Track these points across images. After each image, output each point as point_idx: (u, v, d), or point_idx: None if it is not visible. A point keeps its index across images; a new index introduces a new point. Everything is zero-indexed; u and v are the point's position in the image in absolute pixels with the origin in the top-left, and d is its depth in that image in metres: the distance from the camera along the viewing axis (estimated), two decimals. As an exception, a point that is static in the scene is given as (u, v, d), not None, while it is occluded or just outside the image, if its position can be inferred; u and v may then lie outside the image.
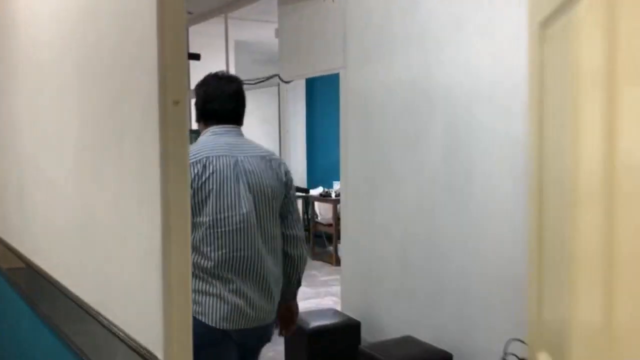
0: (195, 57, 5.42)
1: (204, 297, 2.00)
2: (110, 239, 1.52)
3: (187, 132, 1.25)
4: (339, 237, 6.99)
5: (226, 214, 2.02)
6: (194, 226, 1.98)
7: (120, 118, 1.41)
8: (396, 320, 3.88)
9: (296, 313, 2.38)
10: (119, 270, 1.48)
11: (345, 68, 4.18)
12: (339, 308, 4.72)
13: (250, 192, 2.08)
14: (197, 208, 1.99)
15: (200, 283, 2.01)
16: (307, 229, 8.37)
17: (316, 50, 4.50)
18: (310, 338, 3.77)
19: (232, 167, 2.06)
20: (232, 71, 6.15)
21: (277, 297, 2.18)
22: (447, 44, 3.43)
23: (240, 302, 2.02)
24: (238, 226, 2.03)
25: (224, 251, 2.01)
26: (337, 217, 7.22)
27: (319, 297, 5.85)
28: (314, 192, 7.78)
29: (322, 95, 8.72)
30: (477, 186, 3.30)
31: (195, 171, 1.99)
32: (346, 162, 4.26)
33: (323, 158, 8.73)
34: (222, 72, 2.34)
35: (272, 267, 2.13)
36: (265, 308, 2.10)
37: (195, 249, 1.99)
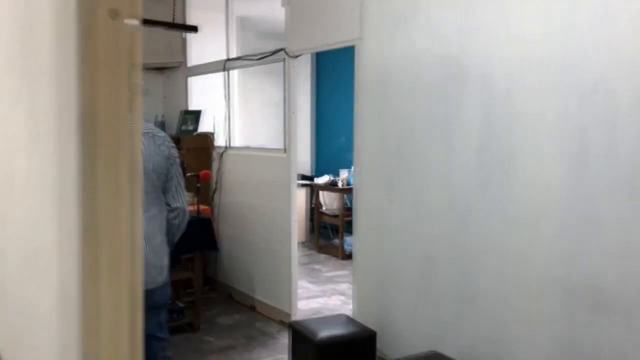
0: (192, 29, 4.90)
1: None
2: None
3: (140, 78, 0.70)
4: (345, 230, 6.53)
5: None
6: None
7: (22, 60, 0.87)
8: (418, 331, 3.39)
9: None
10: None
11: (361, 39, 3.66)
12: (349, 308, 4.24)
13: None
14: None
15: None
16: (311, 219, 7.88)
17: (328, 20, 3.97)
18: (319, 349, 3.28)
19: None
20: (234, 47, 5.61)
21: (158, 264, 2.32)
22: (484, 9, 2.91)
23: None
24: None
25: None
26: (344, 208, 6.73)
27: (325, 295, 5.37)
28: (320, 180, 7.27)
29: (331, 73, 8.17)
30: (517, 181, 2.80)
31: None
32: (360, 149, 3.75)
33: (330, 143, 8.20)
34: None
35: (149, 236, 2.27)
36: (154, 265, 2.28)
37: None
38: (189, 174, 4.30)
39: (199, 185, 4.27)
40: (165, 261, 2.40)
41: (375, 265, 3.68)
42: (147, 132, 2.36)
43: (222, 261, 5.35)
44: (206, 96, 5.78)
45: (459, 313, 3.13)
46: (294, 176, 4.47)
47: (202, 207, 4.49)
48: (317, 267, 6.43)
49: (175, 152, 2.46)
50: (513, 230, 2.82)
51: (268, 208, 4.70)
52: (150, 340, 2.33)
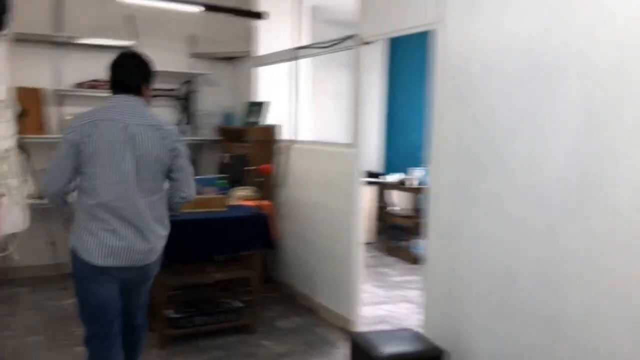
0: (258, 15, 4.67)
1: (86, 235, 2.44)
2: None
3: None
4: (417, 232, 6.14)
5: (108, 168, 2.42)
6: (83, 173, 2.44)
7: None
8: (494, 353, 2.98)
9: None
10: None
11: (442, 23, 3.27)
12: (417, 318, 3.88)
13: (134, 153, 2.45)
14: (86, 160, 2.41)
15: (85, 221, 2.45)
16: (380, 219, 7.51)
17: (405, 2, 3.60)
18: (381, 367, 2.95)
19: (120, 130, 2.44)
20: (304, 36, 5.34)
21: (155, 244, 2.56)
22: (591, -14, 2.46)
23: (114, 243, 2.44)
24: (117, 179, 2.43)
25: (103, 198, 2.42)
26: (416, 209, 6.32)
27: (391, 302, 5.01)
28: (390, 178, 6.90)
29: (406, 63, 7.75)
30: (620, 189, 2.34)
31: (86, 131, 2.40)
32: (435, 145, 3.37)
33: (402, 139, 7.80)
34: (130, 50, 2.78)
35: (149, 217, 2.51)
36: (139, 251, 2.49)
37: (83, 191, 2.45)
38: (248, 168, 4.07)
39: (261, 179, 4.02)
40: (161, 243, 2.64)
41: (447, 274, 3.30)
42: (152, 125, 2.51)
43: (284, 260, 5.11)
44: (273, 87, 5.55)
45: (543, 337, 2.70)
46: (361, 173, 4.14)
47: (263, 202, 4.24)
48: (384, 270, 6.07)
49: (180, 145, 2.63)
50: (615, 249, 2.37)
51: (332, 206, 4.40)
52: (134, 312, 2.73)
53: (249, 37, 5.73)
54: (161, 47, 5.72)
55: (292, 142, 5.00)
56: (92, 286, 2.50)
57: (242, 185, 4.69)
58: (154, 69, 2.69)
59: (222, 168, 4.66)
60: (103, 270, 2.46)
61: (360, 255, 4.21)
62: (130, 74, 2.59)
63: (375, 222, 7.30)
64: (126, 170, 2.44)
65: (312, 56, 4.82)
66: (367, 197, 6.91)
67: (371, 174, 7.53)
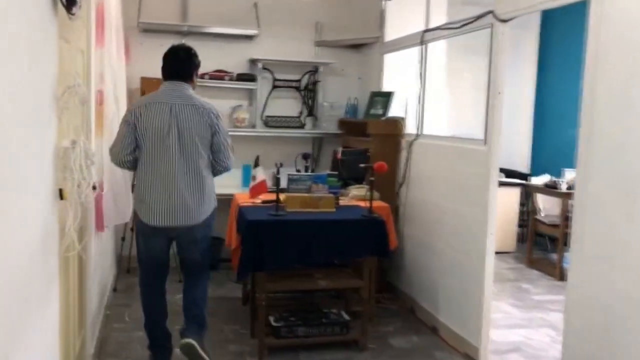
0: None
1: (139, 200, 3.05)
2: None
3: None
4: (566, 243, 5.24)
5: (156, 143, 2.97)
6: (139, 147, 3.00)
7: None
8: None
9: None
10: None
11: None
12: (558, 349, 3.14)
13: (177, 129, 2.97)
14: (140, 136, 2.99)
15: (140, 188, 3.03)
16: (522, 225, 6.64)
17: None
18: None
19: (167, 111, 2.99)
20: (437, 17, 4.73)
21: (195, 208, 3.02)
22: None
23: (160, 208, 2.98)
24: (163, 154, 2.97)
25: (151, 168, 2.98)
26: (565, 216, 5.41)
27: (530, 326, 4.26)
28: (537, 180, 6.01)
29: (560, 44, 6.76)
30: None
31: (138, 113, 3.00)
32: (589, 143, 2.63)
33: (554, 135, 6.82)
34: (181, 44, 3.45)
35: (191, 185, 3.00)
36: (180, 214, 3.00)
37: (140, 163, 3.03)
38: (362, 165, 3.61)
39: (372, 179, 3.54)
40: (202, 207, 3.04)
41: (600, 301, 2.56)
42: (194, 105, 3.01)
43: (405, 267, 4.58)
44: (400, 76, 5.02)
45: None
46: (495, 175, 3.48)
47: (376, 204, 3.75)
48: (524, 286, 5.27)
49: (219, 121, 3.07)
50: None
51: (460, 210, 3.79)
52: (191, 266, 3.21)
53: (377, 22, 5.26)
54: (284, 35, 5.47)
55: (418, 136, 4.44)
56: (146, 241, 3.13)
57: (357, 184, 4.25)
58: (199, 61, 3.25)
59: (336, 164, 4.25)
60: (154, 229, 3.03)
61: (492, 268, 3.55)
62: (182, 64, 3.13)
63: (515, 228, 6.45)
64: (170, 144, 2.96)
65: (441, 39, 4.22)
66: (507, 200, 6.10)
67: (514, 174, 6.67)
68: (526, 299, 4.92)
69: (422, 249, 4.31)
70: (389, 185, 4.62)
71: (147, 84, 5.02)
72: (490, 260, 3.51)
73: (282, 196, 3.62)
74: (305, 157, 4.38)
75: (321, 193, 3.81)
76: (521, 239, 6.67)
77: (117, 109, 4.04)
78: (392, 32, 5.06)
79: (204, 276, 3.24)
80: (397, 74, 5.07)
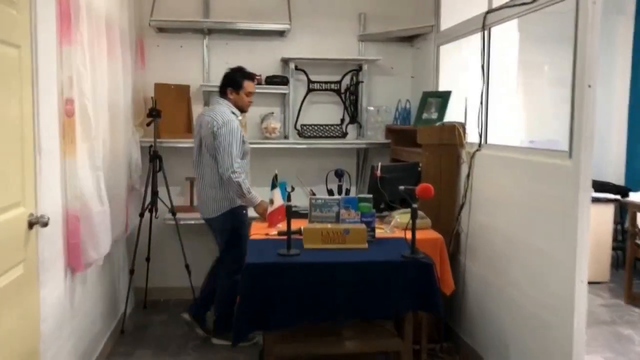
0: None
1: None
2: None
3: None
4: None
5: (194, 151, 3.69)
6: None
7: None
8: None
9: (261, 214, 3.51)
10: None
11: None
12: None
13: (199, 139, 3.62)
14: None
15: None
16: (618, 248, 5.49)
17: None
18: None
19: (199, 123, 3.69)
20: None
21: (209, 204, 3.64)
22: None
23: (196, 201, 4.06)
24: (193, 156, 3.71)
25: None
26: (677, 242, 4.27)
27: (636, 395, 3.21)
28: (636, 196, 4.87)
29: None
30: None
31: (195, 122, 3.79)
32: None
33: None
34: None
35: (204, 183, 3.64)
36: (200, 209, 3.77)
37: None
38: (402, 188, 2.73)
39: (414, 206, 2.65)
40: (212, 202, 3.62)
41: None
42: (207, 115, 3.62)
43: (468, 310, 3.63)
44: (460, 72, 4.10)
45: None
46: (585, 199, 2.50)
47: (426, 234, 2.86)
48: (625, 332, 4.16)
49: (220, 129, 3.47)
50: None
51: (536, 246, 2.83)
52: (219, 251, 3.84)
53: (431, 8, 4.36)
54: (321, 30, 4.68)
55: (481, 146, 3.51)
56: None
57: (402, 208, 3.37)
58: (231, 76, 3.72)
59: (374, 184, 3.39)
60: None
61: (583, 327, 2.57)
62: (221, 80, 3.73)
63: (609, 252, 5.31)
64: (196, 149, 3.64)
65: (508, 20, 3.28)
66: (598, 218, 5.00)
67: (607, 187, 5.53)
68: (627, 349, 3.84)
69: (489, 291, 3.36)
70: (447, 206, 3.71)
71: (162, 92, 4.38)
72: (581, 319, 2.52)
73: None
74: (339, 174, 3.56)
75: (352, 223, 2.98)
76: (616, 265, 5.51)
77: (110, 123, 3.39)
78: (450, 18, 4.14)
79: (225, 264, 3.70)
80: (457, 69, 4.15)
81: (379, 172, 3.35)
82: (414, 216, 2.62)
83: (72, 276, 2.80)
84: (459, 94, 3.92)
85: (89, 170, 2.74)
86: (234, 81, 3.65)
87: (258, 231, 3.18)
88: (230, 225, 3.62)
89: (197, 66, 4.59)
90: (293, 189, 2.83)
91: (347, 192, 3.58)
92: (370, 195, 3.03)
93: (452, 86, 4.05)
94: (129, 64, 3.97)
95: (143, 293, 4.48)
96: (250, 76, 3.73)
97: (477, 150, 3.52)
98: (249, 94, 3.68)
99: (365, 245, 2.81)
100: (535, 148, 3.08)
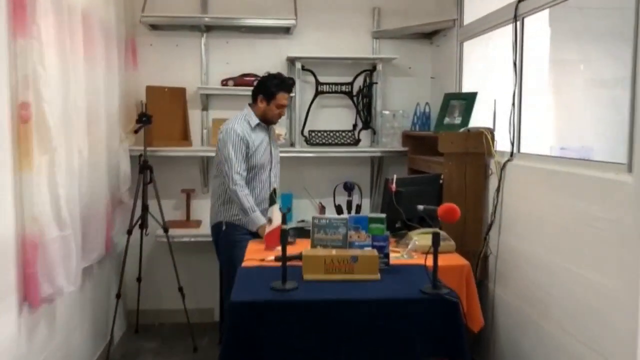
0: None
1: None
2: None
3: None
4: None
5: None
6: None
7: None
8: None
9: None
10: None
11: None
12: None
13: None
14: None
15: None
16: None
17: None
18: None
19: None
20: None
21: (212, 214, 3.42)
22: None
23: None
24: None
25: None
26: None
27: None
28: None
29: None
30: None
31: None
32: None
33: None
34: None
35: (211, 193, 3.51)
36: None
37: None
38: (421, 208, 2.26)
39: (437, 231, 2.17)
40: (211, 214, 3.42)
41: None
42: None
43: (498, 347, 3.14)
44: (487, 71, 3.63)
45: None
46: (650, 222, 2.02)
47: (449, 259, 2.38)
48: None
49: (221, 136, 3.26)
50: None
51: (584, 279, 2.34)
52: None
53: (451, 1, 3.90)
54: (331, 25, 4.24)
55: (513, 155, 3.03)
56: None
57: (421, 227, 2.90)
58: (265, 83, 3.32)
59: (389, 199, 2.92)
60: None
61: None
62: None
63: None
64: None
65: (546, 7, 2.80)
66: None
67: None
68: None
69: (523, 326, 2.86)
70: (473, 225, 3.23)
71: (155, 95, 3.97)
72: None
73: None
74: (348, 188, 3.10)
75: (362, 247, 2.52)
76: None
77: (88, 130, 2.99)
78: (474, 11, 3.68)
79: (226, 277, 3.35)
80: (483, 68, 3.67)
81: (394, 186, 2.88)
82: (435, 243, 2.15)
83: (30, 310, 2.38)
84: (485, 96, 3.44)
85: (46, 187, 2.32)
86: (267, 90, 3.28)
87: (253, 256, 2.73)
88: (218, 240, 3.35)
89: (195, 67, 4.17)
90: (289, 209, 2.37)
91: (358, 208, 3.12)
92: (383, 215, 2.55)
93: (477, 87, 3.57)
94: (115, 65, 3.56)
95: (134, 316, 4.08)
96: (287, 87, 3.33)
97: (509, 160, 3.04)
98: (280, 106, 3.31)
99: (377, 276, 2.35)
100: (583, 159, 2.59)
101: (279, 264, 2.35)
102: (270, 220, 2.84)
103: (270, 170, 3.36)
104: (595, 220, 2.26)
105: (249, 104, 3.36)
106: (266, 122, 3.34)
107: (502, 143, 3.19)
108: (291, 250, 2.73)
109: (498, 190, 3.10)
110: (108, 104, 3.41)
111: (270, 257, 2.64)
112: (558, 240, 2.54)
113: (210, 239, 3.72)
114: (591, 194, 2.31)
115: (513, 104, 3.03)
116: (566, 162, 2.60)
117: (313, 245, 2.63)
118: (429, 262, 2.22)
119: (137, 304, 4.03)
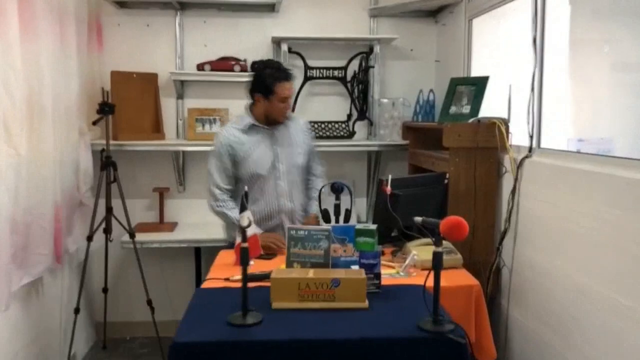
0: None
1: None
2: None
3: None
4: None
5: None
6: None
7: None
8: None
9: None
10: None
11: None
12: None
13: None
14: None
15: None
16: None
17: None
18: None
19: None
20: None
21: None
22: None
23: None
24: None
25: None
26: None
27: None
28: None
29: None
30: None
31: None
32: None
33: None
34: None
35: None
36: None
37: None
38: (418, 220, 1.78)
39: (438, 250, 1.69)
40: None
41: None
42: None
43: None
44: (500, 52, 3.14)
45: None
46: None
47: (454, 278, 1.91)
48: None
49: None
50: None
51: (619, 301, 1.87)
52: None
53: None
54: (320, 2, 3.75)
55: (532, 151, 2.55)
56: None
57: (421, 237, 2.43)
58: (258, 77, 2.75)
59: (382, 203, 2.44)
60: None
61: None
62: None
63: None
64: None
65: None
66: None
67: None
68: None
69: (544, 356, 2.39)
70: (483, 232, 2.76)
71: (121, 82, 3.51)
72: None
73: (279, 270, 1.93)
74: (336, 189, 2.63)
75: (348, 263, 2.06)
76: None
77: (27, 122, 2.53)
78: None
79: None
80: (495, 48, 3.18)
81: (389, 188, 2.40)
82: (436, 267, 1.67)
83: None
84: (498, 81, 2.95)
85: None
86: (262, 84, 2.72)
87: (217, 273, 2.28)
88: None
89: (168, 50, 3.70)
90: (250, 223, 1.91)
91: (348, 213, 2.64)
92: (373, 227, 2.07)
93: (489, 71, 3.08)
94: (73, 47, 3.11)
95: (102, 329, 3.64)
96: (285, 75, 2.74)
97: (527, 156, 2.55)
98: (283, 99, 2.73)
99: (365, 304, 1.88)
100: (618, 157, 2.11)
101: (249, 284, 1.89)
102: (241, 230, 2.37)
103: (278, 179, 2.80)
104: (637, 233, 1.78)
105: (247, 106, 2.84)
106: (272, 122, 2.79)
107: (518, 136, 2.71)
108: (270, 265, 2.29)
109: (513, 191, 2.62)
110: (62, 92, 2.96)
111: (236, 277, 2.17)
112: (587, 255, 2.07)
113: (186, 245, 3.42)
114: (633, 200, 1.83)
115: (532, 89, 2.54)
116: (600, 161, 2.12)
117: (288, 263, 2.16)
118: (430, 281, 1.75)
119: (104, 317, 3.59)
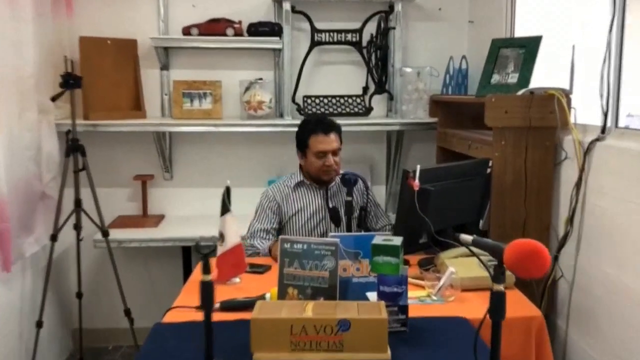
0: None
1: None
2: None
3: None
4: None
5: None
6: None
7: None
8: None
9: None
10: None
11: None
12: None
13: None
14: None
15: None
16: None
17: None
18: None
19: None
20: None
21: None
22: None
23: None
24: None
25: None
26: None
27: None
28: None
29: None
30: None
31: None
32: None
33: None
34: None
35: None
36: None
37: None
38: (470, 238, 1.21)
39: (500, 289, 1.11)
40: None
41: None
42: None
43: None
44: (555, 9, 2.51)
45: None
46: None
47: (512, 310, 1.34)
48: None
49: None
50: None
51: None
52: None
53: None
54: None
55: (606, 131, 1.95)
56: None
57: (458, 244, 1.85)
58: (298, 131, 2.52)
59: (409, 202, 1.86)
60: None
61: None
62: None
63: None
64: None
65: None
66: None
67: None
68: None
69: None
70: (535, 234, 2.16)
71: (91, 49, 2.95)
72: None
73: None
74: (347, 182, 2.06)
75: (363, 293, 1.50)
76: None
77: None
78: None
79: None
80: (548, 4, 2.55)
81: (416, 182, 1.81)
82: (496, 313, 1.10)
83: None
84: (555, 41, 2.33)
85: None
86: (298, 140, 2.50)
87: (189, 297, 1.73)
88: None
89: (150, 12, 3.12)
90: (222, 236, 1.38)
91: (363, 214, 2.06)
92: (397, 241, 1.48)
93: (539, 30, 2.46)
94: (27, 10, 2.56)
95: (78, 339, 3.14)
96: (321, 127, 2.42)
97: (598, 138, 1.95)
98: (319, 154, 2.40)
99: (387, 355, 1.31)
100: None
101: (226, 316, 1.34)
102: (221, 237, 1.80)
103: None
104: None
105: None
106: (318, 181, 2.46)
107: (583, 113, 2.10)
108: (262, 283, 1.74)
109: (578, 184, 2.02)
110: (17, 63, 2.43)
111: (215, 305, 1.62)
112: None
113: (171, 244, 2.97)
114: None
115: (608, 49, 1.92)
116: None
117: (281, 289, 1.59)
118: (477, 312, 1.17)
119: (79, 325, 3.09)
